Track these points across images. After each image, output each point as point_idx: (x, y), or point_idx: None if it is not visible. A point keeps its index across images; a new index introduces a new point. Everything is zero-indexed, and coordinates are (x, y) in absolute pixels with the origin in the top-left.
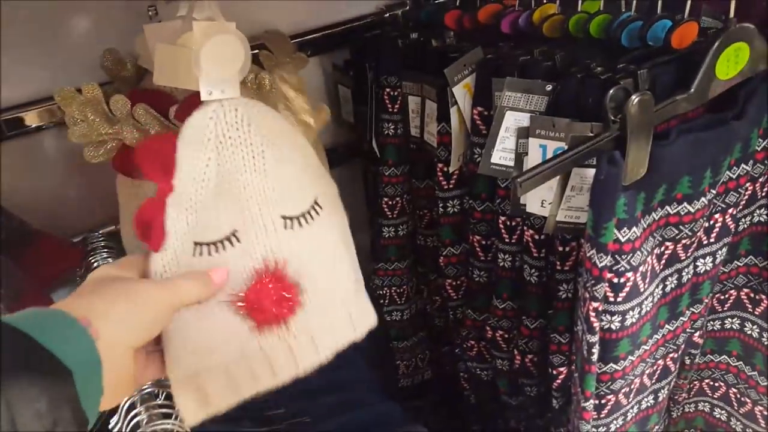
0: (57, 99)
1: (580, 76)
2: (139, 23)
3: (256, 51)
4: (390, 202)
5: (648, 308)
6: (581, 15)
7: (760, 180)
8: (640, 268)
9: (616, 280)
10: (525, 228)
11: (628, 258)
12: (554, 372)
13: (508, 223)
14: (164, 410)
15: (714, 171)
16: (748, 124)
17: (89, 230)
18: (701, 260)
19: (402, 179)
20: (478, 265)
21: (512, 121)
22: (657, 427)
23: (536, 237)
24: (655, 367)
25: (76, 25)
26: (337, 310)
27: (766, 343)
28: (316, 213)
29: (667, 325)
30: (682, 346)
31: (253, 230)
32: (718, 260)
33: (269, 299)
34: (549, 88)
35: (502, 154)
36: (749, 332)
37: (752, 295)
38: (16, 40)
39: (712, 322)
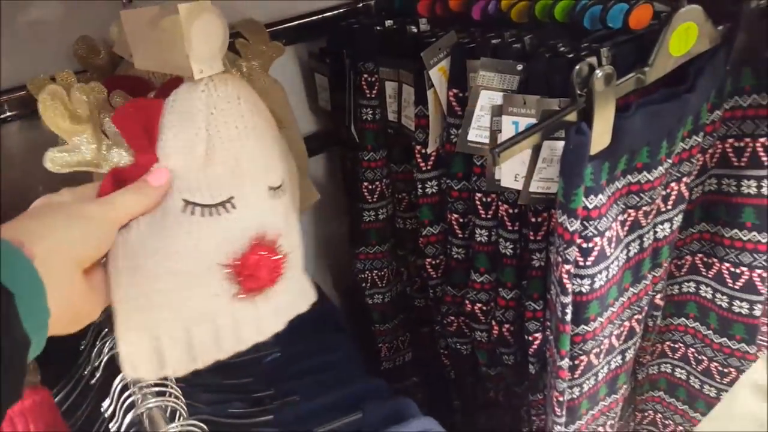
0: (30, 88)
1: (547, 56)
2: (113, 10)
3: (232, 39)
4: (370, 187)
5: (614, 272)
6: (546, 1)
7: (710, 151)
8: (607, 234)
9: (585, 245)
10: (500, 203)
11: (596, 224)
12: (530, 338)
13: (484, 199)
14: (158, 389)
15: (669, 141)
16: (698, 97)
17: None
18: (660, 226)
19: (381, 163)
20: (456, 242)
21: (486, 99)
22: (625, 386)
23: (510, 211)
24: (622, 329)
25: (49, 13)
26: (298, 283)
27: (718, 303)
28: (286, 186)
29: (631, 288)
30: (646, 308)
31: (247, 199)
32: (675, 226)
33: (267, 268)
34: (520, 68)
35: (477, 132)
36: (704, 294)
37: (705, 259)
38: None
39: (670, 287)
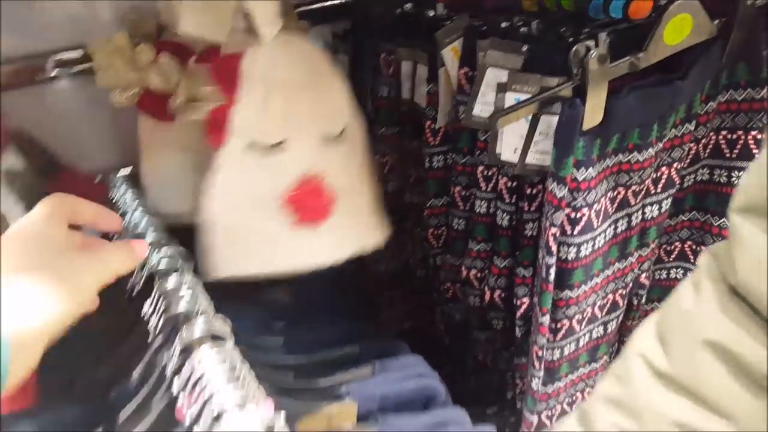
0: (89, 47)
1: (550, 39)
2: None
3: None
4: (382, 160)
5: (600, 244)
6: None
7: (703, 141)
8: (595, 206)
9: (573, 215)
10: (500, 177)
11: (584, 195)
12: (518, 303)
13: (486, 172)
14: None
15: (660, 125)
16: (690, 85)
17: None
18: (649, 207)
19: (393, 139)
20: (458, 214)
21: (492, 76)
22: (606, 357)
23: (509, 184)
24: (605, 300)
25: None
26: (358, 222)
27: None
28: (346, 137)
29: (617, 263)
30: (630, 285)
31: (299, 142)
32: (663, 209)
33: (313, 204)
34: (524, 48)
35: (482, 107)
36: None
37: (694, 246)
38: None
39: (659, 272)
